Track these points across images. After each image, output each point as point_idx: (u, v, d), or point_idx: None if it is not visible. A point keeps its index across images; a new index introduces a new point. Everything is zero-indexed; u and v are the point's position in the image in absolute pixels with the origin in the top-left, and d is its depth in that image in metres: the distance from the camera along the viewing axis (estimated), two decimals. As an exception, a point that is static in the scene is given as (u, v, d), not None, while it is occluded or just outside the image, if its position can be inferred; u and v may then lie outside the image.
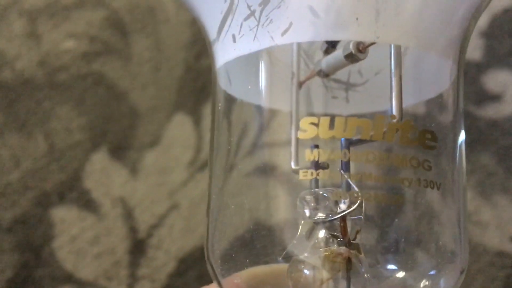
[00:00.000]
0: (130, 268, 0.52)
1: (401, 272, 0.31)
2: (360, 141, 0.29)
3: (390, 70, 0.28)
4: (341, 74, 0.35)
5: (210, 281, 0.35)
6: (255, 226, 0.32)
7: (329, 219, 0.29)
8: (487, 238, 0.52)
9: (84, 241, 0.52)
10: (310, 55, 0.34)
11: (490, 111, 0.53)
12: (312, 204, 0.30)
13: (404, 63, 0.29)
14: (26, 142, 0.52)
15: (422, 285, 0.31)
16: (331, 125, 0.27)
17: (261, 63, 0.32)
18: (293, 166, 0.32)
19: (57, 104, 0.53)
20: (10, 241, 0.50)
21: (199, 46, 0.55)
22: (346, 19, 0.27)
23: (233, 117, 0.34)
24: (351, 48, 0.30)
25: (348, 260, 0.29)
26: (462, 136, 0.32)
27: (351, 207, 0.29)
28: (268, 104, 0.32)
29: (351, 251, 0.29)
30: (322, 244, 0.30)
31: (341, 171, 0.29)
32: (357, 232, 0.29)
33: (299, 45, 0.33)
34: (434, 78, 0.32)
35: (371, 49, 0.30)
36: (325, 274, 0.29)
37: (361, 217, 0.29)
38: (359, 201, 0.28)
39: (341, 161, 0.29)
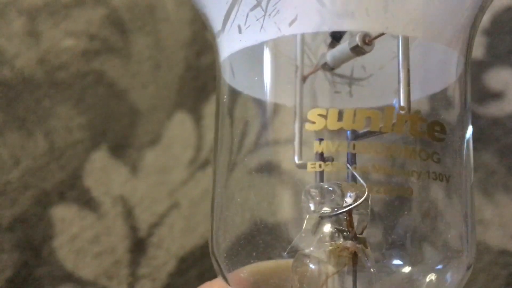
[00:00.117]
0: (131, 267, 0.52)
1: (407, 266, 0.31)
2: (365, 134, 0.29)
3: (398, 62, 0.28)
4: (344, 69, 0.35)
5: (211, 280, 0.35)
6: (259, 221, 0.31)
7: (335, 213, 0.29)
8: (489, 236, 0.52)
9: (84, 240, 0.51)
10: (314, 50, 0.34)
11: (492, 109, 0.53)
12: (318, 198, 0.30)
13: (410, 56, 0.29)
14: (26, 141, 0.52)
15: (428, 279, 0.30)
16: (340, 116, 0.27)
17: (265, 56, 0.31)
18: (296, 160, 0.31)
19: (57, 103, 0.53)
20: (10, 240, 0.50)
21: (200, 44, 0.55)
22: (354, 9, 0.27)
23: (236, 112, 0.33)
24: (358, 40, 0.30)
25: (354, 255, 0.29)
26: (469, 131, 0.32)
27: (357, 201, 0.28)
28: (272, 98, 0.32)
29: (357, 245, 0.29)
30: (327, 238, 0.29)
31: (348, 164, 0.29)
32: (364, 226, 0.29)
33: (303, 38, 0.33)
34: (440, 72, 0.32)
35: (375, 43, 0.30)
36: (330, 269, 0.29)
37: (367, 211, 0.29)
38: (365, 194, 0.28)
39: (347, 154, 0.29)
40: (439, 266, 0.31)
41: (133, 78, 0.54)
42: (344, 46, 0.31)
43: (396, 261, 0.31)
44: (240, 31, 0.29)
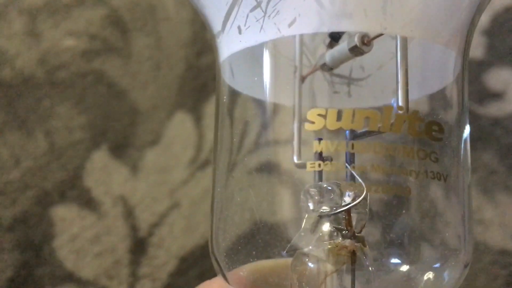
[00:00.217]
0: (131, 267, 0.52)
1: (405, 265, 0.31)
2: (364, 134, 0.29)
3: (396, 62, 0.28)
4: (343, 69, 0.35)
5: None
6: (259, 221, 0.32)
7: (334, 212, 0.29)
8: (489, 236, 0.52)
9: (85, 240, 0.51)
10: (312, 50, 0.34)
11: (492, 109, 0.53)
12: (317, 197, 0.30)
13: (408, 56, 0.29)
14: (26, 141, 0.52)
15: (425, 277, 0.30)
16: (339, 116, 0.27)
17: (264, 56, 0.32)
18: (295, 160, 0.32)
19: (57, 103, 0.53)
20: (10, 240, 0.50)
21: (200, 44, 0.55)
22: (353, 10, 0.27)
23: (236, 112, 0.34)
24: (356, 40, 0.30)
25: (353, 253, 0.29)
26: (467, 130, 0.32)
27: (356, 200, 0.28)
28: (271, 98, 0.32)
29: (356, 244, 0.29)
30: (326, 237, 0.30)
31: (346, 164, 0.29)
32: (363, 225, 0.29)
33: (302, 39, 0.33)
34: (438, 72, 0.32)
35: (373, 43, 0.30)
36: (329, 267, 0.29)
37: (366, 210, 0.29)
38: (364, 193, 0.28)
39: (346, 153, 0.29)
40: (437, 265, 0.31)
41: (133, 78, 0.54)
42: (342, 46, 0.31)
43: (394, 260, 0.31)
44: (240, 32, 0.29)
